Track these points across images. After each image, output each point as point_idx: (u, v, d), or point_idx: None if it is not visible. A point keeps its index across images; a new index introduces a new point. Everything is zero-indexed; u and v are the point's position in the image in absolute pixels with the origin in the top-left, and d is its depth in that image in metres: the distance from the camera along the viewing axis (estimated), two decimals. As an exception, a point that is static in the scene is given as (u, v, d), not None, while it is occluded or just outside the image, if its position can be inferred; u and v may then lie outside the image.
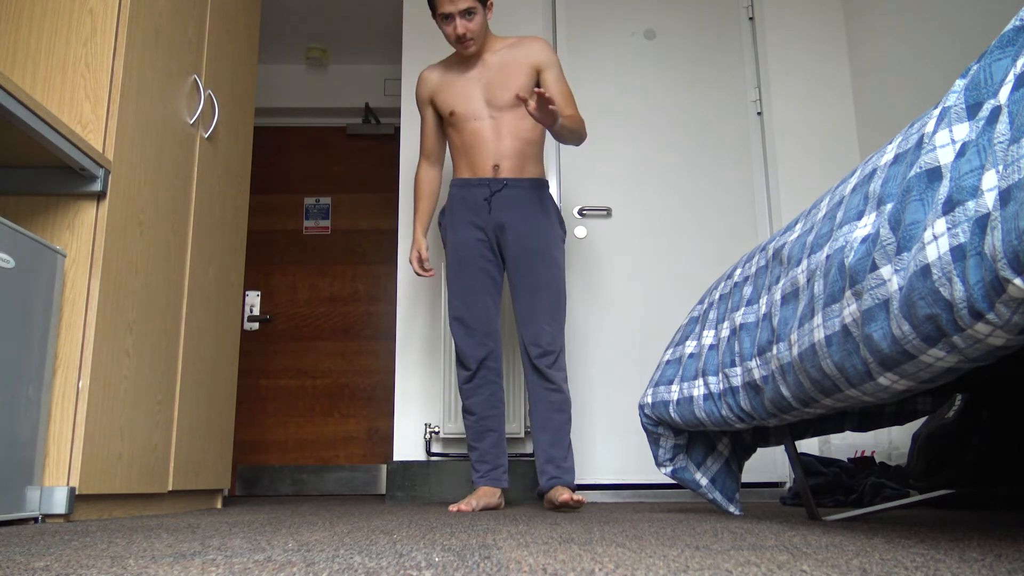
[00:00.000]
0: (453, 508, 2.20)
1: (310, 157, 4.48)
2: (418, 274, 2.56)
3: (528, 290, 2.40)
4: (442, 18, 2.41)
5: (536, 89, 2.17)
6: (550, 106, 2.16)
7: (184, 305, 2.24)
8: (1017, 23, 0.89)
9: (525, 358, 2.38)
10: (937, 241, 0.88)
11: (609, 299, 3.18)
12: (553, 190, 3.09)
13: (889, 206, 1.04)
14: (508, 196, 2.43)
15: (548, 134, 2.54)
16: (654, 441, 1.97)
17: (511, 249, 2.43)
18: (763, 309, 1.46)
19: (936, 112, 1.00)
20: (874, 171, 1.14)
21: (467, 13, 2.38)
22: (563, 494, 2.16)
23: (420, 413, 3.10)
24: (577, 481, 2.97)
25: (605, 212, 3.22)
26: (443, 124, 2.57)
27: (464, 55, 2.49)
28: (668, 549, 0.99)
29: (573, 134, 2.41)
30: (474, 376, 2.40)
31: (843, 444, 3.04)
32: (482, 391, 2.39)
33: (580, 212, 3.21)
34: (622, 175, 3.27)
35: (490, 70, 2.49)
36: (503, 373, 2.51)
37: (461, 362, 2.42)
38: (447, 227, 2.51)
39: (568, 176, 3.26)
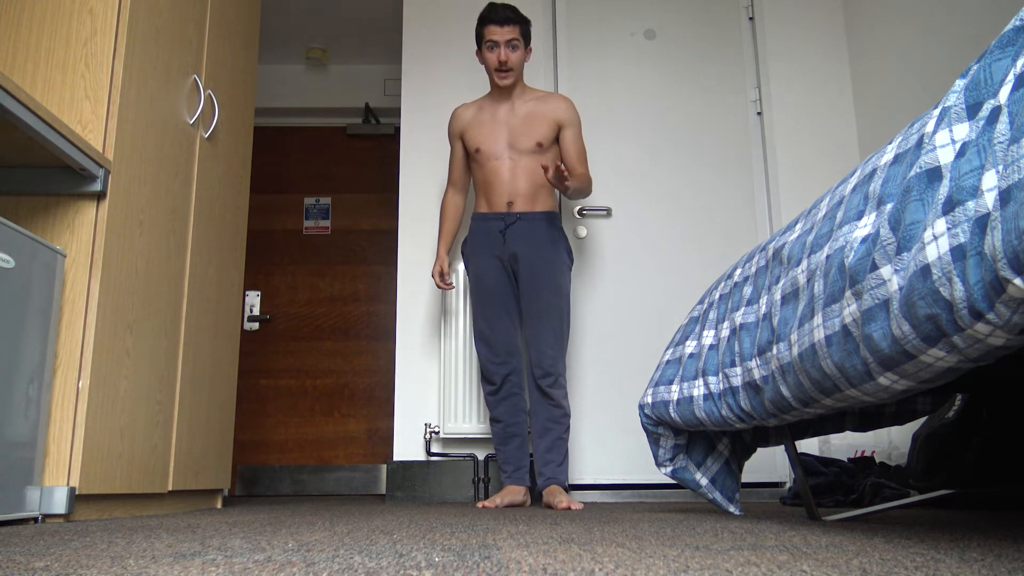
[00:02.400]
0: (480, 505, 2.45)
1: (310, 157, 4.48)
2: (439, 286, 2.80)
3: (534, 315, 2.62)
4: (488, 46, 2.67)
5: (559, 164, 2.42)
6: (565, 182, 2.45)
7: (184, 305, 2.24)
8: (1017, 23, 0.89)
9: (530, 376, 2.62)
10: (937, 241, 0.88)
11: (609, 299, 3.18)
12: (553, 190, 3.10)
13: (889, 206, 1.04)
14: (521, 228, 2.66)
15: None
16: (654, 441, 1.97)
17: (522, 276, 2.66)
18: (763, 309, 1.46)
19: (936, 112, 1.00)
20: (874, 171, 1.14)
21: (511, 44, 2.65)
22: (562, 502, 2.35)
23: (420, 413, 3.10)
24: (577, 481, 2.99)
25: (605, 212, 3.22)
26: (468, 158, 2.80)
27: (498, 91, 2.73)
28: (668, 549, 0.99)
29: (579, 192, 2.66)
30: (499, 390, 2.65)
31: (843, 444, 3.04)
32: (507, 402, 2.65)
33: (580, 212, 3.20)
34: (622, 175, 3.26)
35: (517, 117, 2.73)
36: (524, 386, 2.71)
37: (486, 378, 2.67)
38: (469, 255, 2.76)
39: (568, 176, 3.26)
